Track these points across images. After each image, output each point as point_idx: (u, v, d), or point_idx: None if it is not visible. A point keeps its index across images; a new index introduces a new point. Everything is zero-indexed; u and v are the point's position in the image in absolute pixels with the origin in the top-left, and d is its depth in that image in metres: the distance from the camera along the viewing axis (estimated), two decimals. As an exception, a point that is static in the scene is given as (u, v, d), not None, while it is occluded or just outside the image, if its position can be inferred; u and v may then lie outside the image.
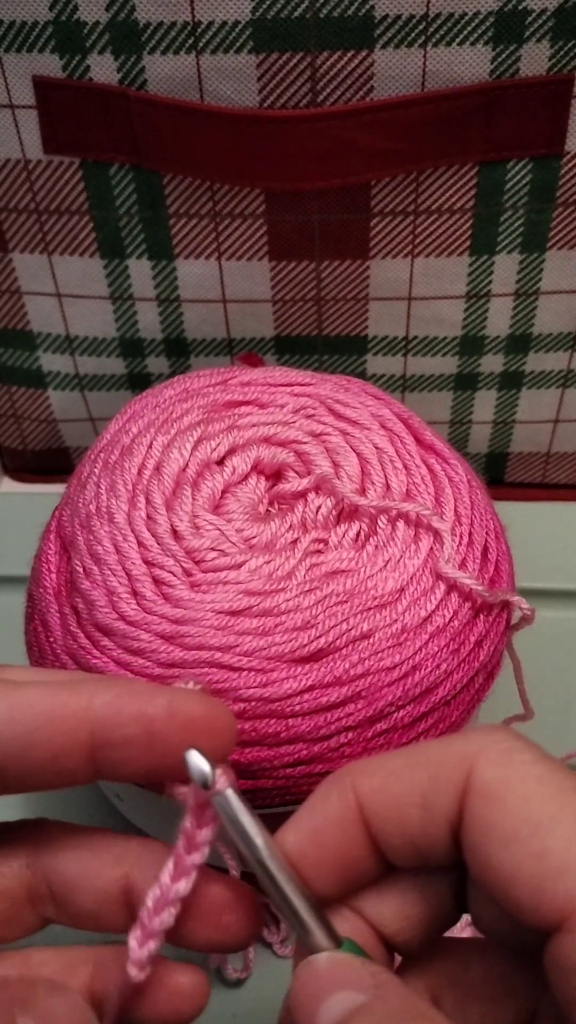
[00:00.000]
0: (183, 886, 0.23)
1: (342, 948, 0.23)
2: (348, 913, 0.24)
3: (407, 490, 0.37)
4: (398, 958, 0.25)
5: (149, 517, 0.35)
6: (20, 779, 0.24)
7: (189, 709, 0.24)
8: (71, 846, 0.25)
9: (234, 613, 0.33)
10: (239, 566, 0.34)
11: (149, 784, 0.25)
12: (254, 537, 0.36)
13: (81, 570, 0.35)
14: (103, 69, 0.43)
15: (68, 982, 0.25)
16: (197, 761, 0.23)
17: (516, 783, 0.21)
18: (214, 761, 0.23)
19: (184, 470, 0.37)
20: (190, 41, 0.42)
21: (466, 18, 0.41)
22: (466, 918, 0.25)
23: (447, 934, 0.25)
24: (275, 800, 0.33)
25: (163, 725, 0.23)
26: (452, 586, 0.34)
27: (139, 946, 0.23)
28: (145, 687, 0.24)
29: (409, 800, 0.22)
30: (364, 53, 0.42)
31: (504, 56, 0.42)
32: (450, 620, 0.34)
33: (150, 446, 0.37)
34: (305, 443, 0.38)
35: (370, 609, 0.33)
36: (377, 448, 0.37)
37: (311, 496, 0.37)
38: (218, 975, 0.41)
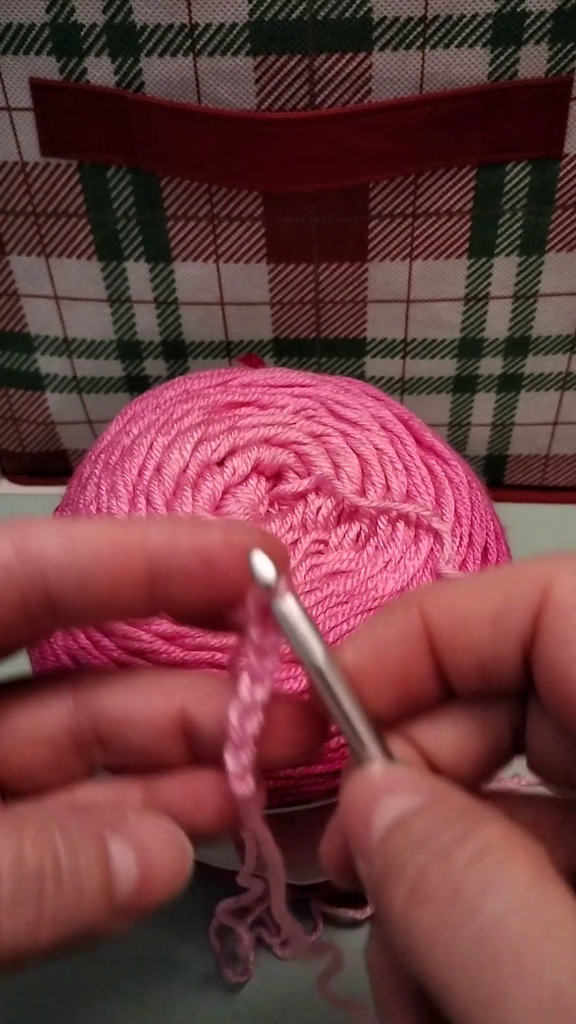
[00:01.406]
0: (260, 692, 0.23)
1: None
2: (401, 742, 0.23)
3: (407, 491, 0.37)
4: None
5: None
6: (80, 612, 0.23)
7: (245, 539, 0.23)
8: (118, 687, 0.25)
9: (235, 614, 0.33)
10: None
11: (206, 619, 0.25)
12: (254, 538, 0.35)
13: (81, 571, 0.35)
14: (100, 71, 0.43)
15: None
16: (261, 563, 0.23)
17: None
18: (279, 567, 0.23)
19: (184, 471, 0.37)
20: (187, 43, 0.42)
21: (464, 20, 0.41)
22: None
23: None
24: (275, 802, 0.33)
25: (221, 556, 0.23)
26: (453, 587, 0.34)
27: (233, 759, 0.23)
28: (199, 521, 0.24)
29: (480, 617, 0.22)
30: (362, 55, 0.42)
31: (503, 58, 0.42)
32: (451, 621, 0.34)
33: (150, 447, 0.37)
34: (305, 444, 0.38)
35: (371, 610, 0.33)
36: (377, 449, 0.37)
37: (311, 497, 0.37)
38: (219, 978, 0.40)
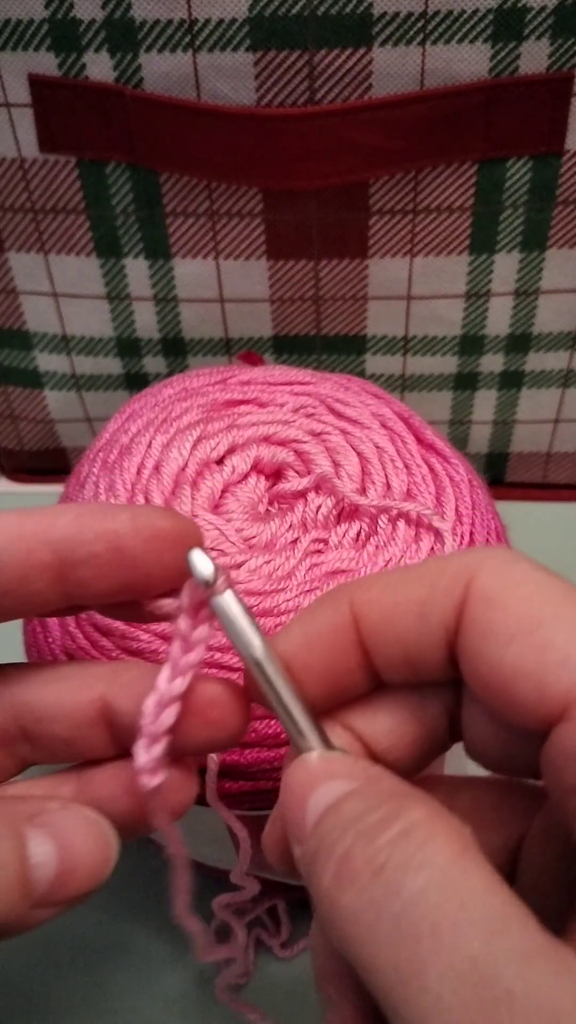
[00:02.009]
0: (179, 684, 0.23)
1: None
2: (340, 729, 0.24)
3: (408, 489, 0.36)
4: None
5: (148, 517, 0.35)
6: None
7: (154, 523, 0.23)
8: (40, 680, 0.25)
9: (234, 613, 0.33)
10: (239, 566, 0.34)
11: (123, 605, 0.25)
12: (254, 537, 0.35)
13: (79, 571, 0.35)
14: (99, 67, 0.43)
15: None
16: (200, 560, 0.23)
17: (516, 586, 0.21)
18: (216, 562, 0.23)
19: (183, 469, 0.37)
20: (187, 39, 0.42)
21: (465, 15, 0.40)
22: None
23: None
24: (275, 802, 0.32)
25: (129, 540, 0.23)
26: (453, 586, 0.34)
27: (145, 752, 0.23)
28: (107, 505, 0.24)
29: (405, 609, 0.22)
30: (362, 51, 0.42)
31: (503, 54, 0.42)
32: (452, 620, 0.33)
33: (149, 445, 0.37)
34: (305, 442, 0.37)
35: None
36: (377, 447, 0.37)
37: (311, 496, 0.36)
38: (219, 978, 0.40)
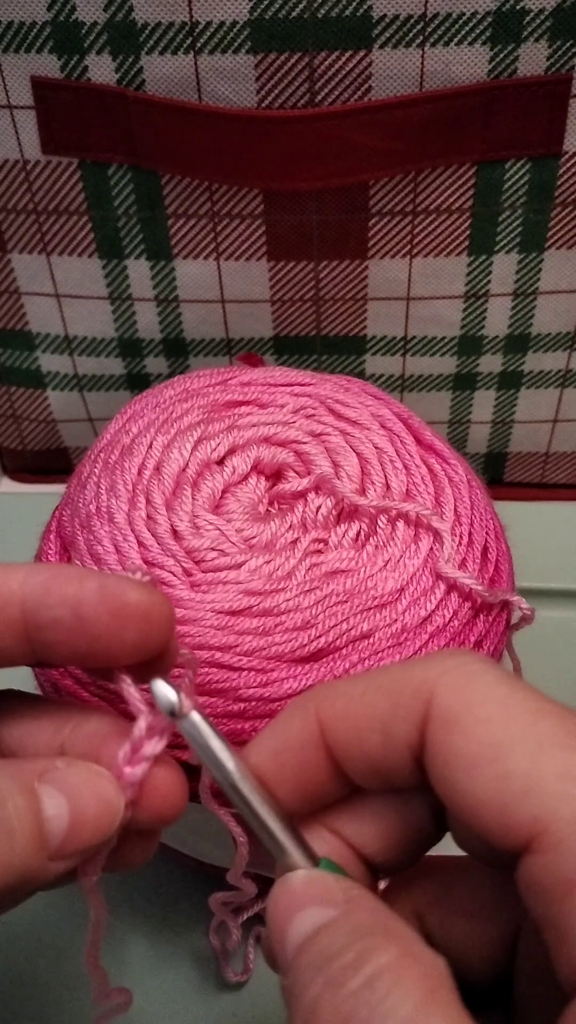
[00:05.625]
0: (127, 794, 0.24)
1: (319, 867, 0.22)
2: (327, 834, 0.24)
3: (407, 490, 0.37)
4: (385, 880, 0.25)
5: (149, 517, 0.35)
6: None
7: (121, 595, 0.23)
8: (17, 714, 0.25)
9: (234, 613, 0.33)
10: (239, 566, 0.34)
11: (93, 670, 0.25)
12: (254, 537, 0.36)
13: (81, 570, 0.35)
14: (101, 69, 0.43)
15: None
16: (163, 690, 0.23)
17: (477, 707, 0.20)
18: (178, 687, 0.23)
19: (184, 470, 0.37)
20: (188, 41, 0.42)
21: (464, 18, 0.41)
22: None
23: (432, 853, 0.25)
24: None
25: (91, 609, 0.23)
26: (452, 586, 0.34)
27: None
28: (80, 571, 0.24)
29: (370, 726, 0.22)
30: (362, 53, 0.42)
31: (502, 56, 0.42)
32: (450, 620, 0.34)
33: (150, 446, 0.37)
34: (305, 443, 0.38)
35: (370, 609, 0.33)
36: (377, 448, 0.37)
37: (311, 496, 0.37)
38: (219, 977, 0.41)
